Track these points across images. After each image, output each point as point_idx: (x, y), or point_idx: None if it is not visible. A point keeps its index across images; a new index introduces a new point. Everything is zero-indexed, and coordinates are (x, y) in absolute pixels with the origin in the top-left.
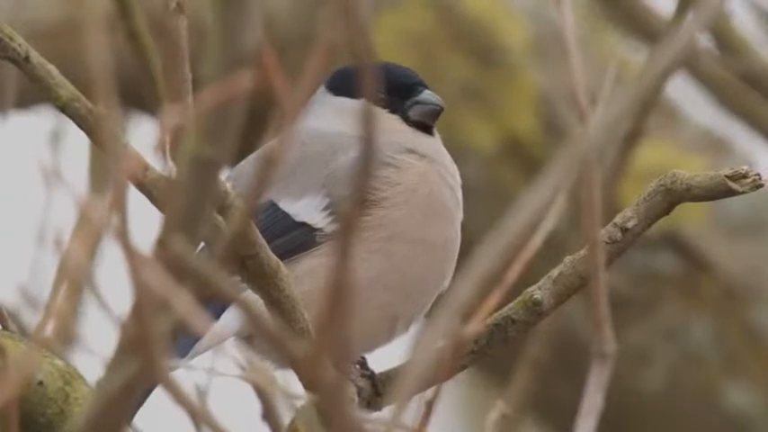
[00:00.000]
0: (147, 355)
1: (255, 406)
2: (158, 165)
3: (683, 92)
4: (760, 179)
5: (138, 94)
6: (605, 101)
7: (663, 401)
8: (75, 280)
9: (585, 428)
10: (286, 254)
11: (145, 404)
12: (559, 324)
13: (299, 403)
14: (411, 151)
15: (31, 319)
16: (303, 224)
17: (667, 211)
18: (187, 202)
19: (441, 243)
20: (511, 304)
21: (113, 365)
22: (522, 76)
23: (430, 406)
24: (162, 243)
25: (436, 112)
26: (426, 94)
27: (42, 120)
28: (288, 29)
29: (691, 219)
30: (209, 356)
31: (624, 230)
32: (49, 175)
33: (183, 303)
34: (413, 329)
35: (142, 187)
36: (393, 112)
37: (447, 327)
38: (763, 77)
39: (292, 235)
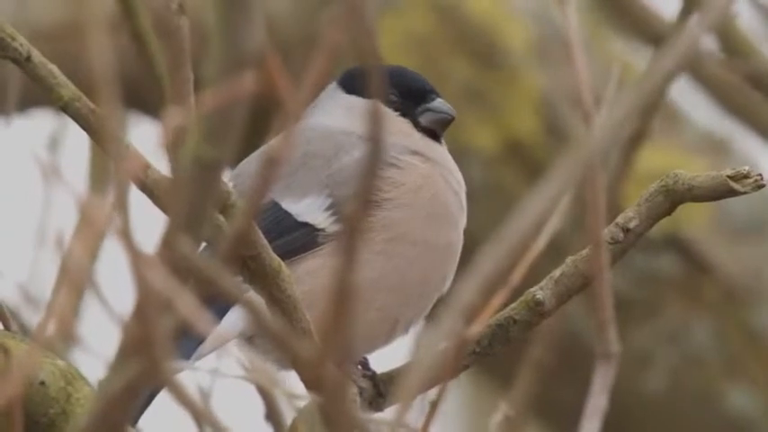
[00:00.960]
0: (150, 355)
1: (258, 406)
2: (160, 165)
3: (685, 94)
4: (761, 179)
5: (140, 95)
6: (609, 103)
7: (664, 403)
8: (77, 280)
9: (590, 430)
10: (288, 254)
11: (150, 406)
12: (562, 325)
13: (301, 404)
14: (416, 153)
15: (31, 318)
16: (305, 224)
17: (669, 212)
18: (189, 203)
19: (442, 245)
20: (513, 304)
21: (116, 366)
22: (524, 78)
23: (434, 406)
24: (165, 243)
25: (447, 121)
26: (439, 103)
27: (42, 122)
28: (289, 30)
29: (692, 221)
30: (212, 357)
31: (626, 231)
32: (48, 175)
33: (187, 304)
34: (412, 331)
35: (144, 187)
36: (404, 115)
37: (450, 327)
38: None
39: (294, 235)
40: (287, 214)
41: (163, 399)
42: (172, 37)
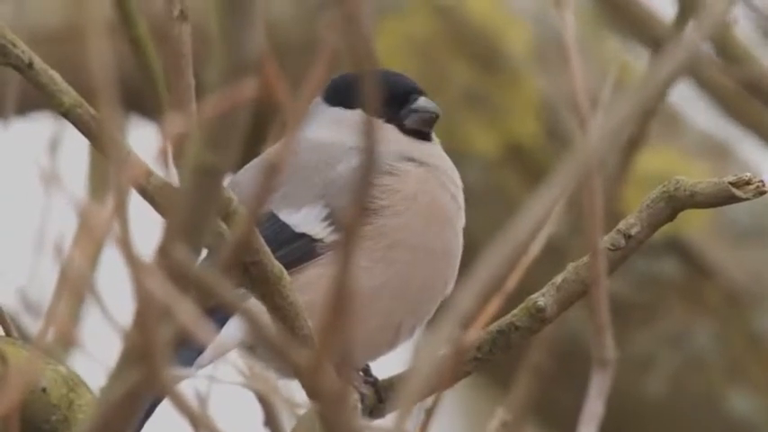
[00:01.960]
0: (149, 364)
1: (258, 414)
2: (161, 171)
3: (684, 98)
4: (763, 186)
5: (140, 100)
6: (605, 106)
7: (665, 406)
8: (77, 287)
9: None
10: (287, 265)
11: (151, 416)
12: (561, 330)
13: (302, 411)
14: (410, 159)
15: (31, 324)
16: (303, 235)
17: (671, 218)
18: (190, 210)
19: (442, 249)
20: (514, 311)
21: (116, 374)
22: (525, 82)
23: (429, 413)
24: (163, 251)
25: (432, 120)
26: (421, 102)
27: (43, 126)
28: (290, 35)
29: (694, 225)
30: (212, 366)
31: (627, 237)
32: (48, 180)
33: (187, 313)
34: (416, 336)
35: (145, 194)
36: (389, 121)
37: (448, 334)
38: (765, 85)
39: (293, 246)
40: (285, 225)
41: (164, 408)
42: (173, 43)
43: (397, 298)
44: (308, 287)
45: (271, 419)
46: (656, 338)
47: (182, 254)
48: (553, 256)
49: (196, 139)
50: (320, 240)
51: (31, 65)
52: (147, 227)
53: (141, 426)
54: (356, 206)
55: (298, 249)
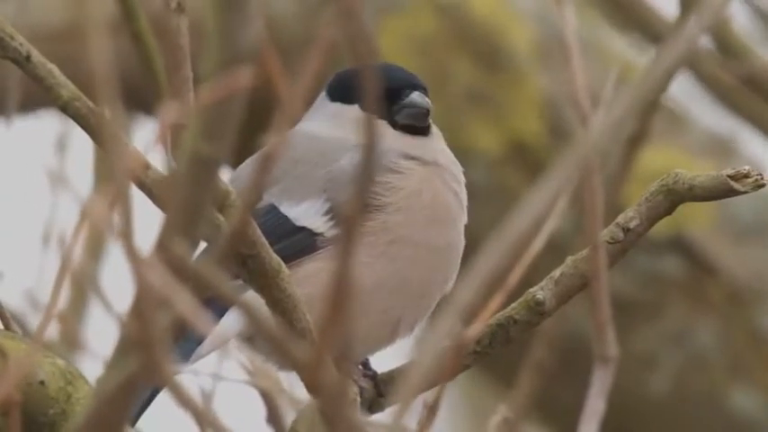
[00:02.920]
0: (148, 355)
1: (259, 408)
2: (160, 164)
3: (687, 94)
4: (762, 179)
5: (140, 95)
6: (607, 103)
7: (668, 405)
8: (78, 279)
9: None
10: (287, 258)
11: (150, 407)
12: (563, 326)
13: (301, 405)
14: (413, 157)
15: (36, 322)
16: (303, 228)
17: (669, 211)
18: (186, 200)
19: (443, 247)
20: (513, 304)
21: (113, 364)
22: (528, 80)
23: (432, 408)
24: (161, 243)
25: (422, 115)
26: (413, 97)
27: (50, 123)
28: (292, 31)
29: (696, 222)
30: (212, 359)
31: (626, 230)
32: (54, 179)
33: (185, 305)
34: (416, 332)
35: (143, 186)
36: (380, 117)
37: (448, 328)
38: (764, 80)
39: (293, 239)
40: (285, 218)
41: (163, 400)
42: (171, 36)
43: (397, 294)
44: (308, 281)
45: (272, 414)
46: (658, 336)
47: (179, 245)
48: (555, 251)
49: (191, 129)
50: (321, 234)
51: (29, 58)
52: (146, 219)
53: (139, 416)
54: (356, 200)
55: (298, 243)
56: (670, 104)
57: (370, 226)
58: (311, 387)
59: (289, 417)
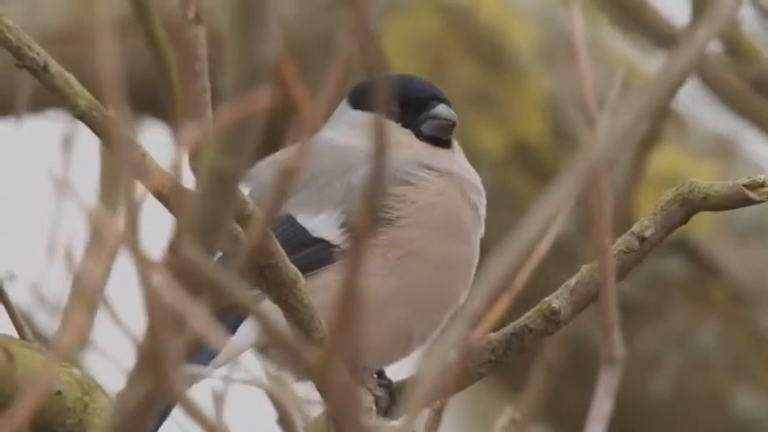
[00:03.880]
0: (160, 371)
1: (272, 415)
2: (178, 176)
3: (690, 96)
4: None
5: (152, 99)
6: (612, 106)
7: (670, 405)
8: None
9: None
10: (303, 268)
11: (166, 420)
12: (570, 329)
13: (315, 412)
14: (430, 168)
15: (44, 321)
16: (320, 240)
17: (684, 221)
18: (206, 214)
19: (456, 263)
20: (528, 313)
21: (131, 381)
22: (531, 81)
23: (438, 414)
24: (179, 254)
25: (448, 127)
26: (439, 109)
27: (58, 123)
28: (294, 32)
29: (699, 224)
30: (226, 367)
31: (642, 240)
32: (60, 186)
33: (200, 318)
34: (428, 345)
35: (162, 198)
36: (406, 126)
37: (459, 336)
38: None
39: (309, 250)
40: (302, 229)
41: (177, 414)
42: (187, 46)
43: (409, 307)
44: (322, 291)
45: (284, 421)
46: (660, 337)
47: (197, 256)
48: (560, 253)
49: (212, 145)
50: (337, 246)
51: (46, 67)
52: (158, 230)
53: (156, 430)
54: (366, 212)
55: (314, 254)
56: (674, 107)
57: (382, 239)
58: (324, 394)
59: (301, 423)
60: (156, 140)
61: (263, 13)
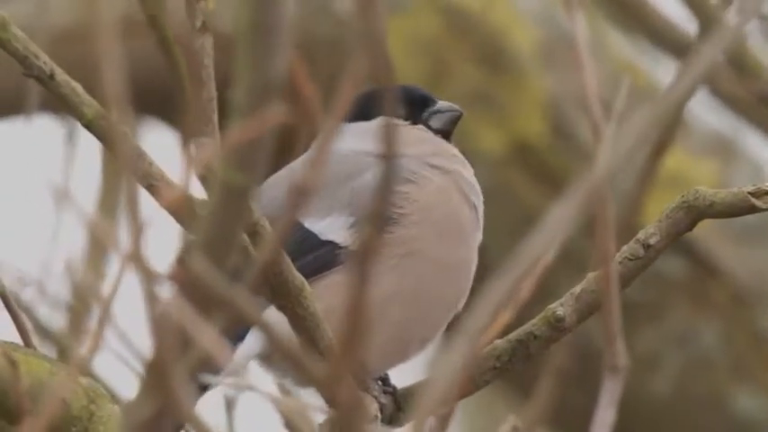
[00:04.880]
0: (166, 389)
1: (278, 424)
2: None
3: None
4: None
5: (155, 100)
6: (617, 113)
7: (671, 406)
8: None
9: None
10: (312, 272)
11: None
12: (574, 334)
13: (319, 420)
14: (434, 166)
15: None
16: (329, 242)
17: (690, 228)
18: (217, 229)
19: (455, 263)
20: (534, 320)
21: (139, 399)
22: (531, 81)
23: (445, 421)
24: (184, 266)
25: (456, 118)
26: (442, 103)
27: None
28: (295, 33)
29: (700, 224)
30: (232, 379)
31: (647, 247)
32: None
33: (207, 335)
34: (428, 349)
35: (174, 213)
36: (414, 123)
37: (466, 344)
38: None
39: (318, 253)
40: (310, 233)
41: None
42: (195, 55)
43: (408, 309)
44: (328, 293)
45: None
46: (661, 337)
47: (206, 271)
48: (574, 266)
49: (224, 160)
50: (345, 248)
51: (52, 76)
52: (164, 243)
53: None
54: (376, 216)
55: (322, 257)
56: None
57: (384, 238)
58: (330, 402)
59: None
60: (160, 142)
61: (277, 32)
